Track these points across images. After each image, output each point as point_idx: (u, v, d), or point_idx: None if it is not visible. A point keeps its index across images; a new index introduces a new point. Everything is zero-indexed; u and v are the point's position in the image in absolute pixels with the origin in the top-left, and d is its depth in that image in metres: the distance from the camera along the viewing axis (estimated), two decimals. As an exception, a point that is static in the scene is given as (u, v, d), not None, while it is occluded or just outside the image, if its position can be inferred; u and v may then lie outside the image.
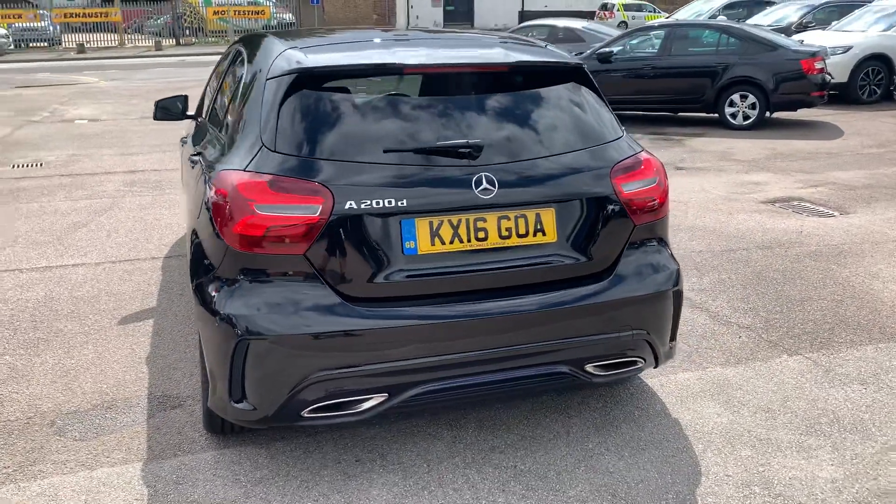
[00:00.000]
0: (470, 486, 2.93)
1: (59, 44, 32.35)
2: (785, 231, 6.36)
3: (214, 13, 30.98)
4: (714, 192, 7.78)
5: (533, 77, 3.15)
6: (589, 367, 3.03)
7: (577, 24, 15.80)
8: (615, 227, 3.03)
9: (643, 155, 3.18)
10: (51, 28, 31.78)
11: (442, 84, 3.11)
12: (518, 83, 3.10)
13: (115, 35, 32.62)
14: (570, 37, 15.31)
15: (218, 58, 5.31)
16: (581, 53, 12.49)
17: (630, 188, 3.05)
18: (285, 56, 3.04)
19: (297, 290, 2.72)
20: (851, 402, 3.55)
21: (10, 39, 30.33)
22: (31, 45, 31.98)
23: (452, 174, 2.81)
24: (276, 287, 2.73)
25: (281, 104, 2.85)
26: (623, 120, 13.75)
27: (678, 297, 3.19)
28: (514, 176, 2.88)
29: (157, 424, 3.38)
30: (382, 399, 2.79)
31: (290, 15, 33.80)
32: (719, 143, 10.52)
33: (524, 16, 33.67)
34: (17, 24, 31.05)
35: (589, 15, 32.25)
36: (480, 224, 2.84)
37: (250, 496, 2.88)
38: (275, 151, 2.77)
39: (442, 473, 3.01)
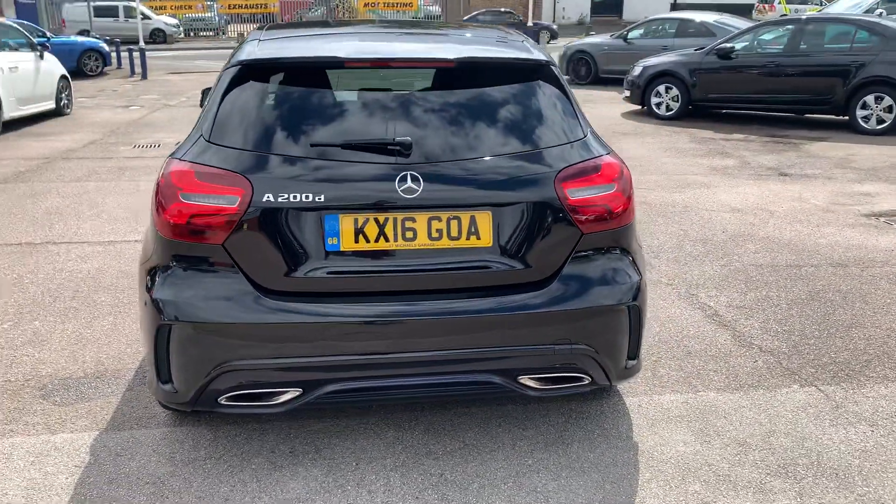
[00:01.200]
0: (386, 490, 2.87)
1: (224, 33, 34.62)
2: (873, 248, 5.75)
3: (365, 5, 31.97)
4: (811, 202, 7.16)
5: (486, 74, 3.00)
6: (523, 380, 2.88)
7: (709, 17, 14.99)
8: (559, 235, 2.85)
9: (604, 160, 2.97)
10: (216, 18, 34.08)
11: (384, 79, 3.05)
12: (468, 80, 2.97)
13: (274, 25, 34.43)
14: (701, 31, 14.58)
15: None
16: (701, 49, 11.86)
17: (579, 195, 2.85)
18: (243, 48, 3.09)
19: (216, 279, 2.75)
20: (847, 444, 3.16)
21: (181, 28, 32.85)
22: (198, 33, 34.47)
23: (378, 172, 2.74)
24: (197, 275, 2.78)
25: (223, 95, 2.89)
26: (740, 121, 12.73)
27: (636, 311, 2.96)
28: (446, 176, 2.77)
29: (131, 397, 3.55)
30: (297, 394, 2.79)
31: (437, 7, 34.28)
32: (841, 148, 9.67)
33: (676, 7, 32.31)
34: (187, 15, 33.54)
35: (747, 8, 30.49)
36: (409, 224, 2.76)
37: (175, 475, 2.97)
38: (209, 141, 2.82)
39: (365, 474, 2.97)
